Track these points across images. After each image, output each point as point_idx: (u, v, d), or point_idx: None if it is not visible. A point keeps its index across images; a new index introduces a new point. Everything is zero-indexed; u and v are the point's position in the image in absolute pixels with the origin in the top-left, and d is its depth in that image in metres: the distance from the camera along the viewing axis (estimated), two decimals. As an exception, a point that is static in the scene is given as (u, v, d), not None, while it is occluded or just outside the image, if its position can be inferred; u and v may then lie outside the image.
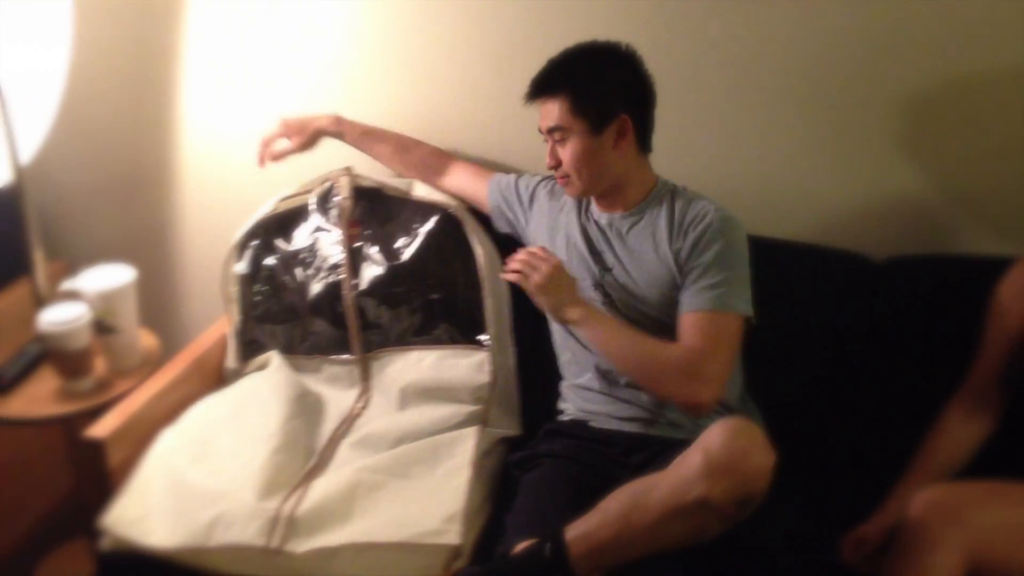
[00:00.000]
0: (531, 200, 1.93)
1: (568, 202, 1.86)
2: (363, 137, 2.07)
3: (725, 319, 1.64)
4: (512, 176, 1.99)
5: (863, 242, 1.93)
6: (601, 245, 1.79)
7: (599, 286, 1.78)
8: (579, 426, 1.81)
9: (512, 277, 1.73)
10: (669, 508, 1.40)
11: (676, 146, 1.90)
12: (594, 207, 1.82)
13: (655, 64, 1.73)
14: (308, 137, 2.05)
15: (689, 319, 1.65)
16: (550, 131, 1.72)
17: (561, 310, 1.71)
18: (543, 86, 1.70)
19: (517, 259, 1.72)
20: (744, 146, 2.01)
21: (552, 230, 1.87)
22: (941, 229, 1.98)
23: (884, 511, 1.60)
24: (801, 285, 1.89)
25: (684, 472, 1.40)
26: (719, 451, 1.38)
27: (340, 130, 2.06)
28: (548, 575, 1.44)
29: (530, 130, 1.78)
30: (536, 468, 1.74)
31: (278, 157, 2.07)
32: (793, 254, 1.92)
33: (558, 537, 1.44)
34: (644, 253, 1.73)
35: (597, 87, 1.68)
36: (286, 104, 2.23)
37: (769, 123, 1.98)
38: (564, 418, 1.86)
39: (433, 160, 2.07)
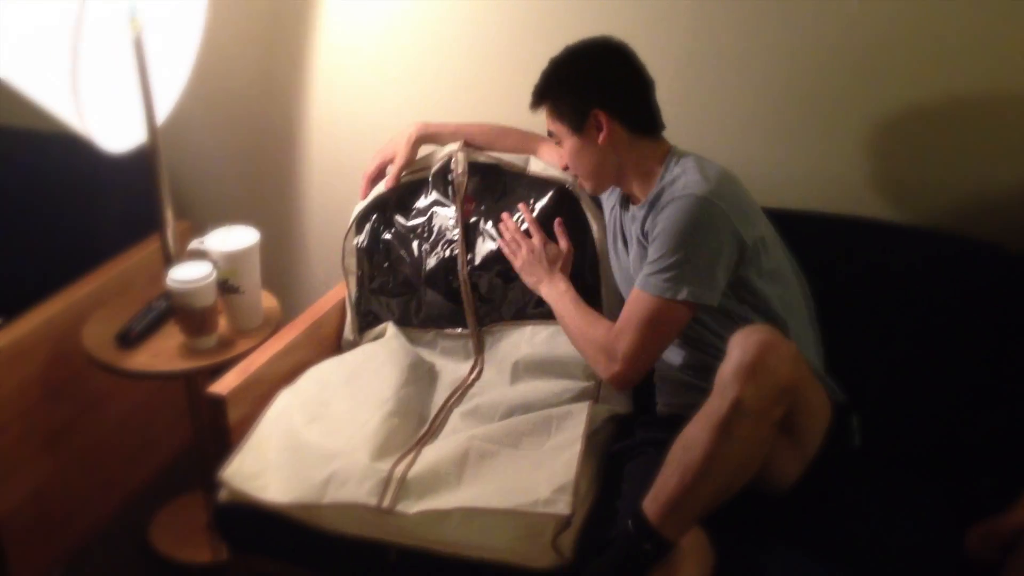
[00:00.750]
0: None
1: (616, 197, 1.87)
2: (455, 135, 2.09)
3: (654, 301, 1.62)
4: None
5: (1001, 232, 1.86)
6: (630, 239, 1.81)
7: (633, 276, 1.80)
8: (673, 418, 1.79)
9: (506, 250, 1.97)
10: (712, 430, 1.42)
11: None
12: (629, 203, 1.83)
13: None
14: (408, 152, 2.07)
15: (630, 295, 1.69)
16: (549, 136, 1.82)
17: (536, 288, 1.93)
18: (533, 98, 1.78)
19: (506, 237, 1.97)
20: (889, 133, 1.97)
21: (608, 220, 1.91)
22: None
23: (1019, 507, 1.54)
24: (931, 273, 1.83)
25: (714, 392, 1.44)
26: (736, 354, 1.43)
27: (432, 132, 2.09)
28: (640, 547, 1.44)
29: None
30: (641, 455, 1.73)
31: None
32: (923, 240, 1.86)
33: (636, 510, 1.46)
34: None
35: (566, 89, 1.74)
36: (418, 81, 2.25)
37: (910, 110, 1.94)
38: (659, 411, 1.86)
39: (524, 144, 2.09)
